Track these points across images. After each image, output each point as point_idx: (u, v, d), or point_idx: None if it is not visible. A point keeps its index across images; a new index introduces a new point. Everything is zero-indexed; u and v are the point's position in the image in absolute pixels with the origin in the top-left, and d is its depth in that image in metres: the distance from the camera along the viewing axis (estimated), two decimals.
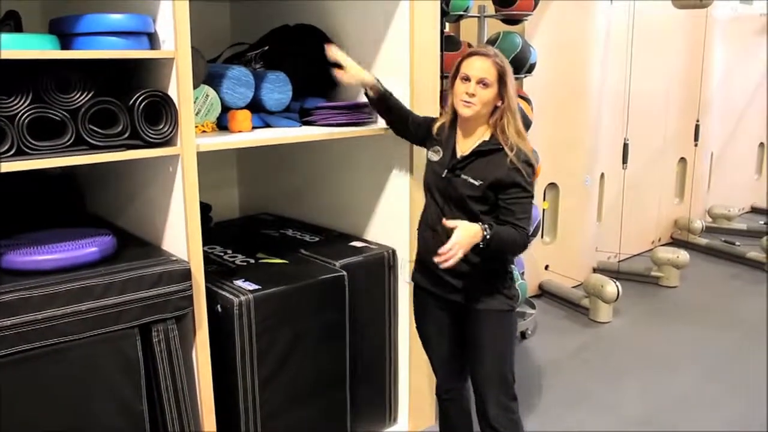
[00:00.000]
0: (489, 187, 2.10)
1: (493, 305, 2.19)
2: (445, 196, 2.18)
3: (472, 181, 2.12)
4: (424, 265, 2.27)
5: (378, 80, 2.42)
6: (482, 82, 2.09)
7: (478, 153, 2.14)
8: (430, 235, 2.21)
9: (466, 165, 2.15)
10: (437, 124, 2.31)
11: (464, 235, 1.98)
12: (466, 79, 2.10)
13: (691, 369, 3.72)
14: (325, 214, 3.02)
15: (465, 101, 2.10)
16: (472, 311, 2.20)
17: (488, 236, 2.02)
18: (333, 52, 2.42)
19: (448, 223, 2.02)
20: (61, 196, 2.53)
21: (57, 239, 1.98)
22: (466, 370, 2.34)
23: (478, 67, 2.10)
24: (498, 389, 2.23)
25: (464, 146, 2.19)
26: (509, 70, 2.13)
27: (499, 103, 2.12)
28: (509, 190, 2.09)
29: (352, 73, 2.41)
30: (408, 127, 2.41)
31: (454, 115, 2.22)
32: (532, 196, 2.14)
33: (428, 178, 2.26)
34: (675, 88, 5.82)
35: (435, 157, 2.25)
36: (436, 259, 1.98)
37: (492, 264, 2.17)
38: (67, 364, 1.81)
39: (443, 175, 2.18)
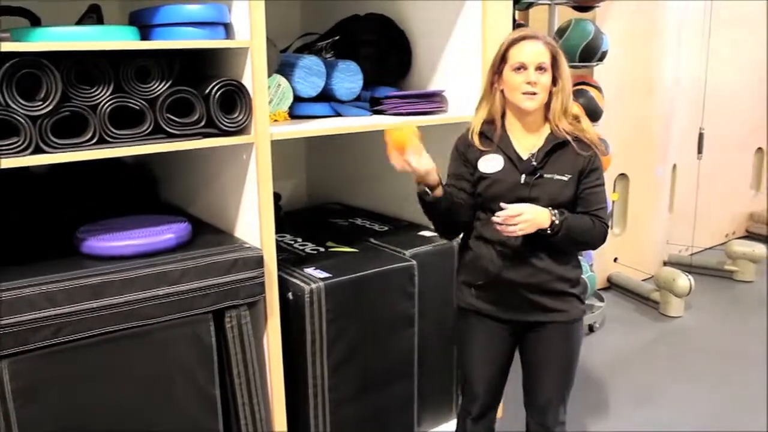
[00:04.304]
0: (577, 180, 1.95)
1: (574, 315, 2.05)
2: None
3: (560, 177, 1.94)
4: (488, 287, 2.06)
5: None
6: (540, 68, 1.91)
7: (555, 146, 1.96)
8: (496, 252, 2.00)
9: (546, 163, 1.96)
10: (477, 132, 2.03)
11: (534, 212, 1.87)
12: (521, 67, 1.91)
13: (765, 368, 3.60)
14: (394, 204, 3.01)
15: (528, 92, 1.91)
16: (549, 326, 2.04)
17: (557, 221, 1.88)
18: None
19: (501, 214, 1.86)
20: (135, 184, 2.60)
21: (134, 226, 2.03)
22: (501, 393, 2.23)
23: (530, 51, 1.91)
24: (561, 408, 2.12)
25: (528, 143, 1.99)
26: (560, 49, 1.97)
27: (552, 88, 1.95)
28: (589, 178, 1.96)
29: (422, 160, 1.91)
30: (470, 198, 2.05)
31: (502, 113, 2.02)
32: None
33: (494, 191, 1.97)
34: (754, 76, 5.62)
35: (496, 167, 1.98)
36: (500, 226, 1.85)
37: (572, 271, 2.03)
38: (146, 346, 1.85)
39: (522, 182, 1.95)
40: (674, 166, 5.08)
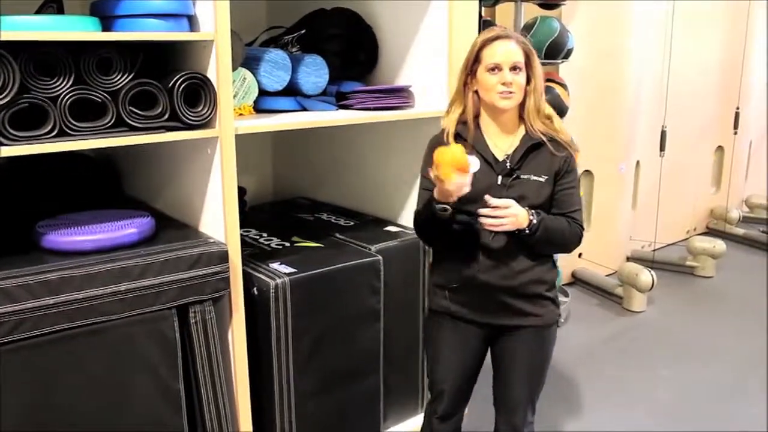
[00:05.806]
0: (553, 181, 1.94)
1: (549, 319, 2.03)
2: None
3: (537, 178, 1.93)
4: (463, 290, 2.03)
5: None
6: (515, 67, 1.90)
7: (531, 147, 1.94)
8: (471, 254, 1.97)
9: (522, 163, 1.94)
10: (452, 134, 1.99)
11: (518, 209, 1.86)
12: (496, 68, 1.89)
13: (726, 361, 3.67)
14: (360, 199, 3.01)
15: (503, 92, 1.90)
16: (523, 330, 2.02)
17: (535, 221, 1.87)
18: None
19: (493, 201, 1.85)
20: (98, 178, 2.55)
21: (97, 220, 2.00)
22: (470, 394, 2.22)
23: (504, 51, 1.90)
24: (529, 410, 2.11)
25: (504, 144, 1.99)
26: (533, 48, 1.96)
27: (526, 87, 1.94)
28: (565, 179, 1.95)
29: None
30: None
31: (476, 114, 2.01)
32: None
33: (470, 193, 1.86)
34: (715, 74, 5.71)
35: (473, 168, 1.89)
36: (483, 219, 1.85)
37: (548, 273, 2.02)
38: (107, 343, 1.82)
39: (499, 183, 1.94)
40: (637, 163, 5.15)
